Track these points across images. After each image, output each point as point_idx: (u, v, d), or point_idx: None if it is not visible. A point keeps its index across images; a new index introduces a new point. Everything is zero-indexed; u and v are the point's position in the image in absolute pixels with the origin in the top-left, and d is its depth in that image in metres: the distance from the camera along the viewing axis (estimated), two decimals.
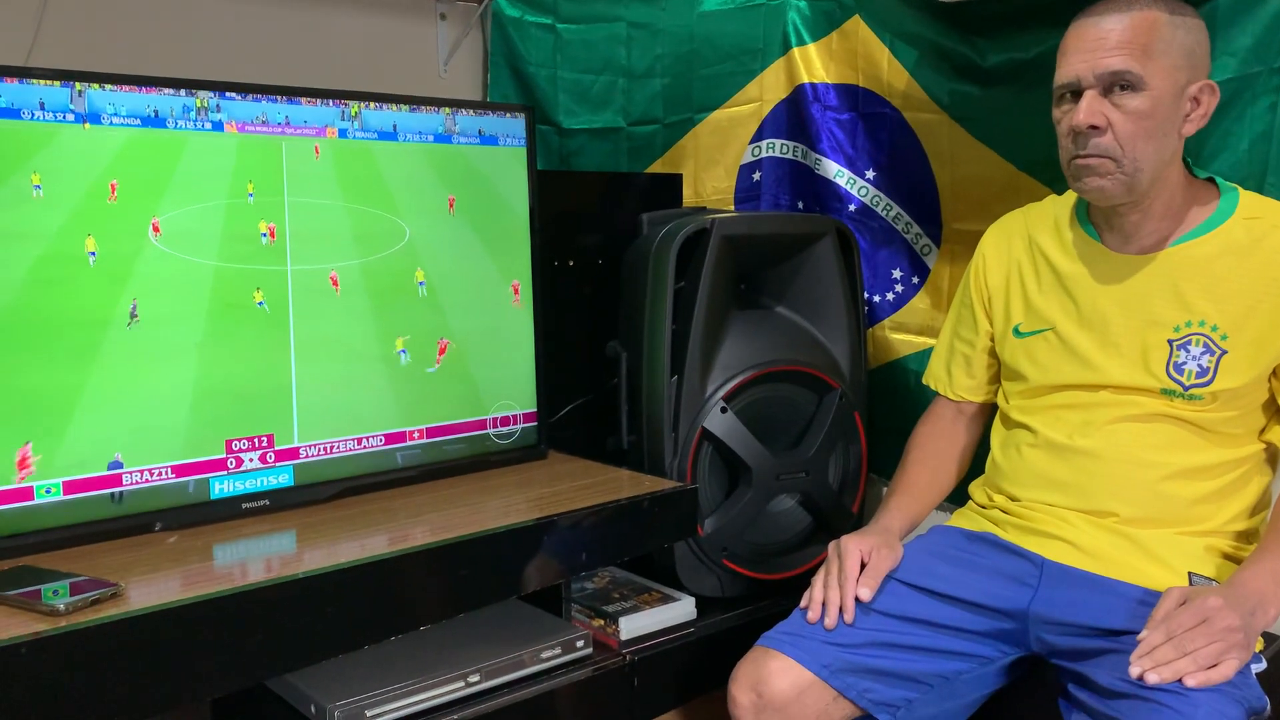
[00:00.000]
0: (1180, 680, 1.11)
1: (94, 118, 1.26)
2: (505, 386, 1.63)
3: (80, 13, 1.72)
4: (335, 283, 1.44)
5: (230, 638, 1.09)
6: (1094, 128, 1.27)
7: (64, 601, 1.03)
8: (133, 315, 1.27)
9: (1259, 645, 1.30)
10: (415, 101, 1.51)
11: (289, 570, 1.16)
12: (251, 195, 1.38)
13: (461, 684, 1.35)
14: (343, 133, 1.45)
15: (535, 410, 1.67)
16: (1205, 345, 1.30)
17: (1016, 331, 1.47)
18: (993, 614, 1.34)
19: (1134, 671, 1.13)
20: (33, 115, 1.21)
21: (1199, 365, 1.30)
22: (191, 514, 1.33)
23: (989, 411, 1.58)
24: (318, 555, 1.23)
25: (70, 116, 1.24)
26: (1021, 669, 1.38)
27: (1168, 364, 1.32)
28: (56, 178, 1.23)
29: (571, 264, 1.92)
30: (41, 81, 1.21)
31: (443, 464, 1.57)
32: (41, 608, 1.03)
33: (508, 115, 1.62)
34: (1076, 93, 1.30)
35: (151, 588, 1.11)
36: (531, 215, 1.65)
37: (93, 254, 1.25)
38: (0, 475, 1.20)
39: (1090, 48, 1.28)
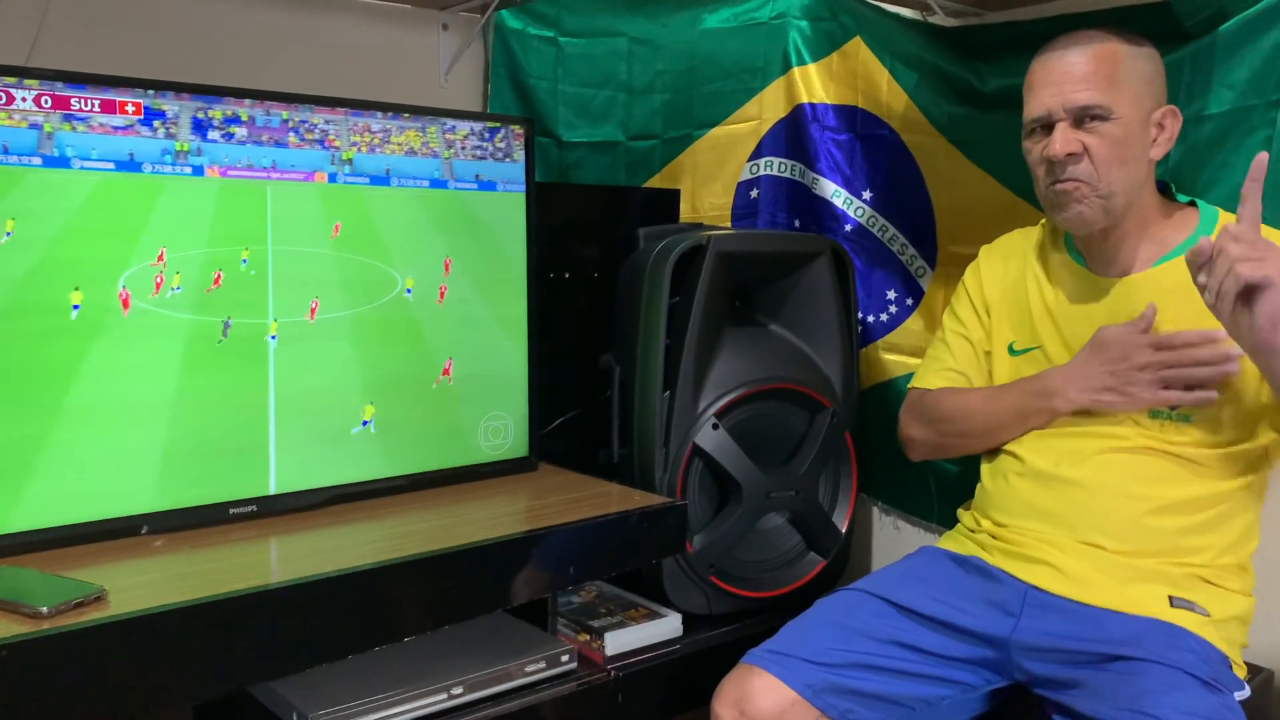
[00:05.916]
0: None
1: (63, 161, 1.22)
2: (497, 398, 1.63)
3: (77, 17, 1.72)
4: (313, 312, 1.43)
5: (214, 644, 1.09)
6: (1071, 154, 1.30)
7: (47, 605, 1.02)
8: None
9: (1242, 673, 1.30)
10: (415, 111, 1.51)
11: (274, 578, 1.16)
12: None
13: (444, 696, 1.34)
14: (332, 177, 1.45)
15: (526, 422, 1.67)
16: None
17: (1011, 349, 1.48)
18: (975, 640, 1.34)
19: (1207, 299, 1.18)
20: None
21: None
22: (178, 518, 1.33)
23: None
24: (303, 563, 1.23)
25: (37, 160, 1.20)
26: (1005, 696, 1.38)
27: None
28: (28, 221, 1.19)
29: (567, 276, 1.92)
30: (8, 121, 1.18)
31: (432, 474, 1.56)
32: (25, 610, 1.02)
33: (507, 126, 1.62)
34: (1047, 126, 1.33)
35: (136, 592, 1.10)
36: (529, 234, 1.65)
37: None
38: None
39: (1058, 81, 1.32)
